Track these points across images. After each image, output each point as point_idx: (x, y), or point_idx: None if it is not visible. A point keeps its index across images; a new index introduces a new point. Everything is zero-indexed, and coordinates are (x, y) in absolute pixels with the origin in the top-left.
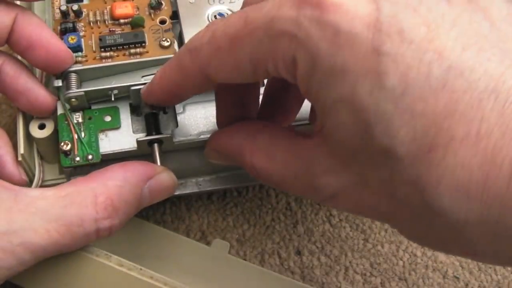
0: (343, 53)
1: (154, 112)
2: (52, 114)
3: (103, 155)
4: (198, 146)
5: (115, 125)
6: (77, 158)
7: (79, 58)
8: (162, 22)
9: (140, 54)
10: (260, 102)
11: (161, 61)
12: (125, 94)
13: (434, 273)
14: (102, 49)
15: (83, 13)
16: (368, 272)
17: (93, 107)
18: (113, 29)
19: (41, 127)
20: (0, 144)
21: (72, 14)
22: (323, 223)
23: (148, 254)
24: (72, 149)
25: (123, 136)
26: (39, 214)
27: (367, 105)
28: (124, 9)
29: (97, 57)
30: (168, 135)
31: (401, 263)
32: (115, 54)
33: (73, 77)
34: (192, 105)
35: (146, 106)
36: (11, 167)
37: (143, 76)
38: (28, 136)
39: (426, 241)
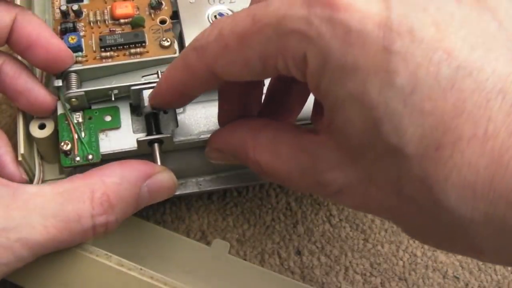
0: (354, 51)
1: (154, 112)
2: (52, 114)
3: (103, 155)
4: (198, 146)
5: (115, 125)
6: (77, 158)
7: (79, 58)
8: (162, 22)
9: (140, 54)
10: (262, 100)
11: (161, 61)
12: (125, 94)
13: (434, 273)
14: (102, 49)
15: (83, 13)
16: (368, 272)
17: (93, 107)
18: (113, 29)
19: (41, 127)
20: (0, 144)
21: (72, 14)
22: (323, 223)
23: (148, 254)
24: (72, 149)
25: (123, 136)
26: (37, 211)
27: (376, 103)
28: (124, 9)
29: (97, 57)
30: (168, 135)
31: (401, 263)
32: (115, 54)
33: (73, 77)
34: (192, 105)
35: (149, 106)
36: (11, 167)
37: (143, 76)
38: (28, 136)
39: (430, 239)
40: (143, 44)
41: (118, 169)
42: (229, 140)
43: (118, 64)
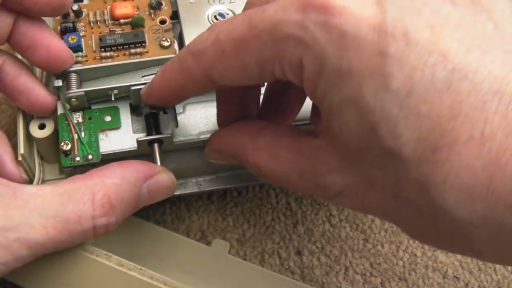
0: (349, 55)
1: (154, 112)
2: (52, 114)
3: (103, 155)
4: (198, 146)
5: (115, 125)
6: (77, 158)
7: (79, 58)
8: (162, 22)
9: (140, 54)
10: (260, 102)
11: (161, 61)
12: (125, 94)
13: (434, 273)
14: (102, 49)
15: (83, 13)
16: (368, 272)
17: (93, 107)
18: (113, 29)
19: (41, 127)
20: (0, 144)
21: (72, 14)
22: (323, 223)
23: (148, 254)
24: (72, 149)
25: (123, 136)
26: (36, 210)
27: (372, 107)
28: (124, 9)
29: (97, 57)
30: (168, 135)
31: (401, 263)
32: (115, 54)
33: (73, 77)
34: (192, 105)
35: (146, 106)
36: (11, 167)
37: (143, 76)
38: (28, 136)
39: (430, 240)
40: (143, 44)
41: (118, 170)
42: (228, 143)
43: (118, 64)
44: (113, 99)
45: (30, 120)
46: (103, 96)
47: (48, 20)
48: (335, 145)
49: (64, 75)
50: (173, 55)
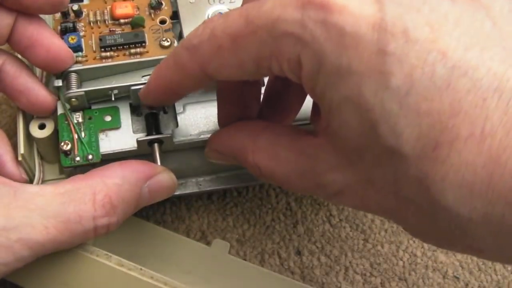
0: (349, 53)
1: (154, 112)
2: (52, 114)
3: (103, 155)
4: (198, 146)
5: (115, 125)
6: (77, 158)
7: (79, 58)
8: (162, 22)
9: (140, 54)
10: (260, 101)
11: (161, 61)
12: (125, 94)
13: (434, 273)
14: (102, 49)
15: (83, 13)
16: (368, 272)
17: (93, 107)
18: (113, 29)
19: (41, 127)
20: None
21: (72, 14)
22: (323, 223)
23: (148, 254)
24: (72, 149)
25: (123, 136)
26: (37, 211)
27: (372, 105)
28: (124, 9)
29: (97, 57)
30: (168, 135)
31: (401, 263)
32: (115, 54)
33: (73, 77)
34: (192, 105)
35: (145, 106)
36: (11, 167)
37: (143, 76)
38: (28, 136)
39: (430, 238)
40: (143, 44)
41: (119, 170)
42: (228, 143)
43: (118, 64)
44: (113, 99)
45: (30, 120)
46: (103, 96)
47: (48, 20)
48: (335, 143)
49: (64, 75)
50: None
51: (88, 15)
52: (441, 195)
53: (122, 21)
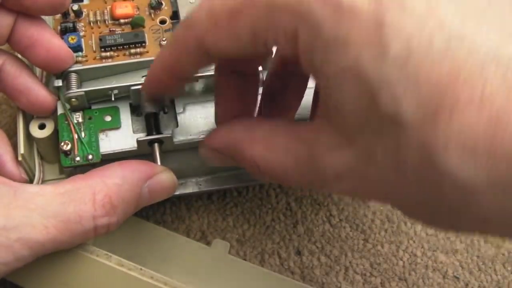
0: (346, 25)
1: (154, 112)
2: (52, 113)
3: (103, 155)
4: (198, 146)
5: (115, 125)
6: (77, 158)
7: (79, 58)
8: (162, 22)
9: (140, 54)
10: (258, 100)
11: None
12: (125, 94)
13: (434, 273)
14: (102, 49)
15: (83, 13)
16: (368, 272)
17: (93, 107)
18: (113, 29)
19: (41, 127)
20: (0, 143)
21: (72, 14)
22: (323, 223)
23: (148, 254)
24: (72, 149)
25: (123, 136)
26: (37, 210)
27: (371, 75)
28: (124, 9)
29: (97, 57)
30: (168, 135)
31: (401, 263)
32: (115, 54)
33: (73, 77)
34: (192, 105)
35: (149, 101)
36: (11, 166)
37: (143, 76)
38: (28, 136)
39: (433, 217)
40: (143, 44)
41: (119, 170)
42: (224, 139)
43: (118, 64)
44: (113, 99)
45: (30, 120)
46: (103, 96)
47: (49, 20)
48: (334, 122)
49: (64, 75)
50: None
51: (88, 15)
52: (444, 161)
53: (122, 21)
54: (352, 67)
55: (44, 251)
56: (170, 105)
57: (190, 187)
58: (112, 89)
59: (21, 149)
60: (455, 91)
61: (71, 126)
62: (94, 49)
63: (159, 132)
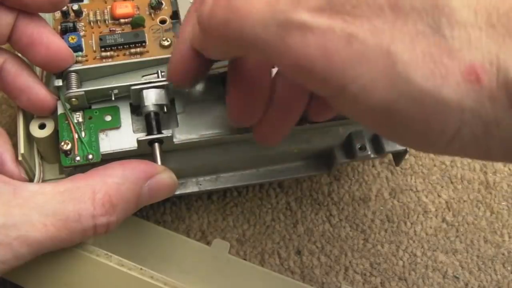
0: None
1: (154, 112)
2: (52, 113)
3: (104, 155)
4: (198, 146)
5: (115, 125)
6: (78, 158)
7: (80, 58)
8: (163, 21)
9: (141, 53)
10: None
11: (161, 60)
12: (125, 93)
13: (434, 273)
14: (103, 49)
15: (84, 13)
16: (368, 272)
17: (94, 106)
18: (114, 29)
19: (42, 126)
20: (0, 142)
21: (72, 14)
22: (323, 223)
23: (148, 254)
24: (72, 148)
25: (124, 135)
26: (37, 209)
27: None
28: (124, 9)
29: (97, 57)
30: (169, 135)
31: (401, 263)
32: (116, 53)
33: (73, 76)
34: (192, 105)
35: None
36: (11, 166)
37: (143, 76)
38: (28, 136)
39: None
40: (143, 44)
41: (119, 169)
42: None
43: (118, 64)
44: (113, 98)
45: (30, 120)
46: (103, 96)
47: (49, 19)
48: None
49: (64, 75)
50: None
51: (88, 15)
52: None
53: (122, 20)
54: None
55: (43, 249)
56: (170, 105)
57: (190, 187)
58: (112, 88)
59: (21, 148)
60: None
61: (71, 125)
62: (94, 48)
63: (159, 132)
